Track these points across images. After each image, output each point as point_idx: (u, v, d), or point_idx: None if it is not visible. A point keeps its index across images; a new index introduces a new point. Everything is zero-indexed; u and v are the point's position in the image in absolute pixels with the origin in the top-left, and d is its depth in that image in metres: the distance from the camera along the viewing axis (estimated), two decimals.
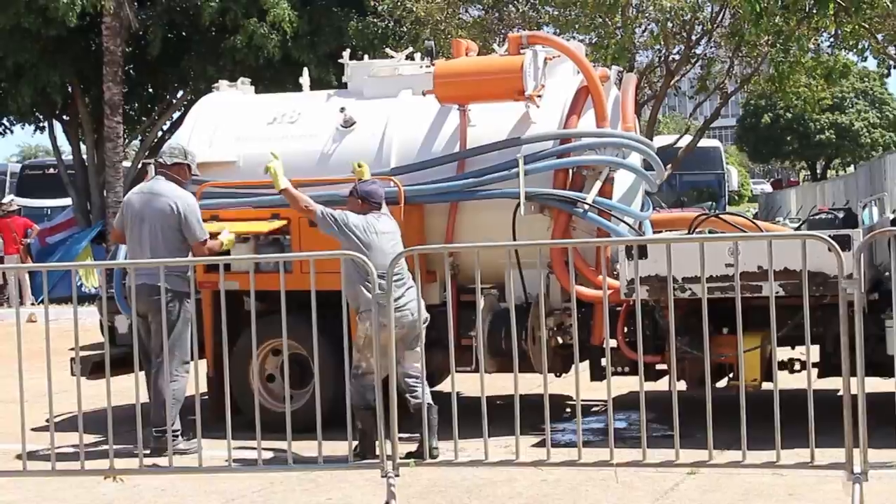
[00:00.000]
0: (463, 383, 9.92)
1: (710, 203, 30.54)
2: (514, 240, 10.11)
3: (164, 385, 9.49)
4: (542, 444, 8.62)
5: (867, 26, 22.80)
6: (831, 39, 25.10)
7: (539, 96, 10.43)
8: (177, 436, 9.52)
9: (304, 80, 12.20)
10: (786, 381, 9.15)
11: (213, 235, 10.12)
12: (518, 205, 10.09)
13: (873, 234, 8.42)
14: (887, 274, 9.11)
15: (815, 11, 20.69)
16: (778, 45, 23.39)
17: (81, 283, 23.18)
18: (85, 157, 29.11)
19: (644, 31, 25.43)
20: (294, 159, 10.84)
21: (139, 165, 27.83)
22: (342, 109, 10.98)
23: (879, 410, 8.01)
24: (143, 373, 9.67)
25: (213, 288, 10.08)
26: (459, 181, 10.41)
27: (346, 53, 11.86)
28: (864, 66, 29.64)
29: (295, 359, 9.97)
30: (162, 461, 8.93)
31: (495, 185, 10.31)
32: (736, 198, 56.37)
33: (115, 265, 10.33)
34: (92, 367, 10.33)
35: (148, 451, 9.08)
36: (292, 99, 11.97)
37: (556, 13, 24.78)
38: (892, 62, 24.64)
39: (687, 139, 28.88)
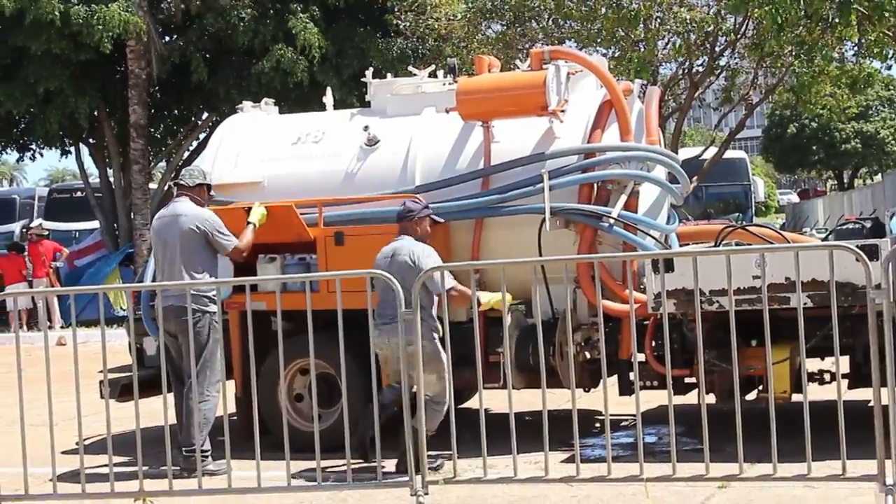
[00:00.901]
0: (491, 400, 9.95)
1: (736, 214, 30.44)
2: (540, 255, 10.09)
3: (193, 405, 9.54)
4: (571, 459, 8.60)
5: (891, 34, 22.70)
6: (855, 48, 25.00)
7: (562, 111, 10.42)
8: (206, 457, 9.53)
9: (328, 99, 12.25)
10: (815, 392, 9.11)
11: (246, 212, 10.26)
12: (543, 220, 10.08)
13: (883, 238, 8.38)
14: None
15: (837, 21, 20.60)
16: (801, 55, 23.32)
17: (111, 305, 23.30)
18: (112, 180, 29.25)
19: (667, 44, 25.40)
20: (319, 178, 10.90)
21: (165, 187, 27.95)
22: (366, 128, 11.00)
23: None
24: (171, 394, 9.70)
25: (240, 308, 10.10)
26: (484, 198, 10.40)
27: (369, 72, 11.88)
28: (889, 73, 29.50)
29: (323, 378, 9.97)
30: (191, 483, 8.94)
31: (520, 201, 10.30)
32: (763, 209, 56.19)
33: (143, 287, 10.36)
34: (121, 390, 10.35)
35: (177, 473, 9.11)
36: (316, 118, 11.99)
37: (577, 27, 24.78)
38: None
39: (712, 151, 28.80)
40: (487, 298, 9.47)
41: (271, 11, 25.73)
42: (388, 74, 12.65)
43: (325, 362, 9.79)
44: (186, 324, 9.07)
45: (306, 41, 24.61)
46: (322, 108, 12.35)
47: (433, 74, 11.80)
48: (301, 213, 10.51)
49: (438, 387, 9.17)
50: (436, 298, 9.04)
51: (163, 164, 31.62)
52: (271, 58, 25.00)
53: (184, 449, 9.61)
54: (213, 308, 9.74)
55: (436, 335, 9.20)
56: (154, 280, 10.21)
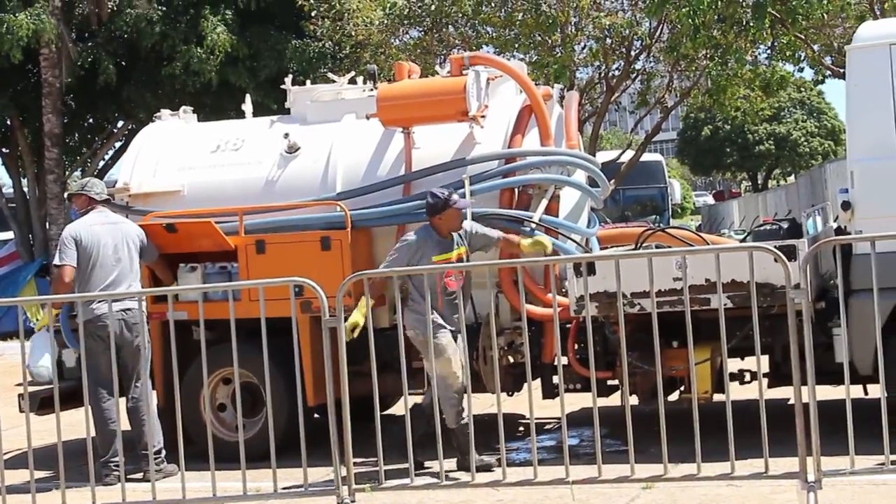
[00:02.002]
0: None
1: (654, 217, 30.71)
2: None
3: (146, 408, 9.66)
4: (497, 463, 8.62)
5: (803, 37, 23.04)
6: (768, 51, 25.34)
7: (483, 116, 10.45)
8: (164, 459, 9.59)
9: (247, 106, 12.18)
10: (737, 392, 9.22)
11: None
12: None
13: (819, 243, 8.51)
14: (833, 282, 9.19)
15: (751, 24, 20.88)
16: (716, 58, 23.59)
17: (27, 318, 22.96)
18: (26, 189, 28.88)
19: (583, 49, 25.57)
20: (239, 186, 10.84)
21: (66, 198, 27.61)
22: (286, 135, 10.95)
23: (830, 418, 8.06)
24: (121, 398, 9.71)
25: (161, 318, 10.03)
26: (406, 204, 10.39)
27: (289, 80, 11.84)
28: (801, 76, 29.88)
29: (246, 387, 9.92)
30: (114, 495, 8.84)
31: None
32: (679, 210, 56.76)
33: (62, 299, 10.19)
34: (40, 403, 10.23)
35: (141, 476, 9.44)
36: (235, 126, 11.92)
37: (495, 33, 24.87)
38: (828, 72, 24.91)
39: (629, 154, 29.05)
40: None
41: (185, 16, 25.58)
42: (308, 81, 12.59)
43: (249, 371, 9.74)
44: (135, 332, 9.15)
45: (212, 41, 24.51)
46: (240, 114, 12.28)
47: (353, 81, 11.78)
48: (222, 222, 10.45)
49: (438, 377, 9.12)
50: (426, 291, 8.76)
51: (78, 173, 31.26)
52: (181, 59, 24.85)
53: (144, 451, 9.64)
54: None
55: (418, 325, 9.07)
56: (86, 290, 10.01)
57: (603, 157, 28.64)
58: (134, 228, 10.27)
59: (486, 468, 8.87)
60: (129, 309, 9.77)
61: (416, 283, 9.15)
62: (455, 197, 9.45)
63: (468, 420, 8.89)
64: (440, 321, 9.12)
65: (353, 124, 11.03)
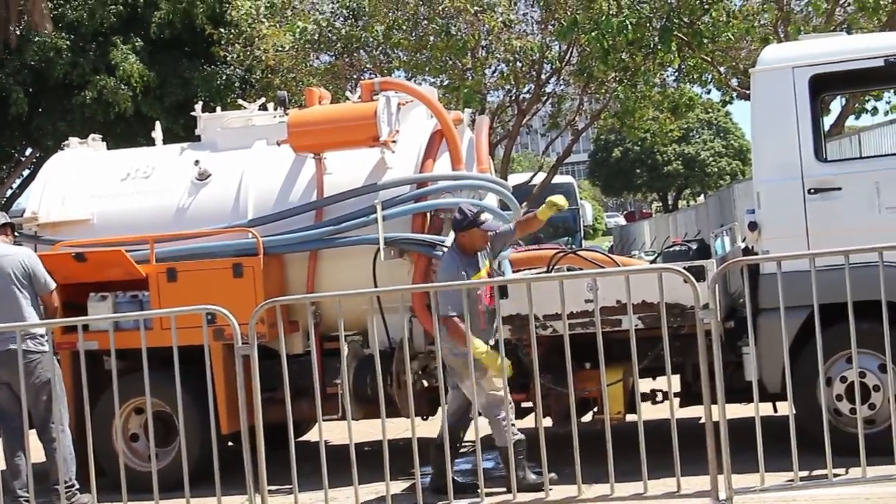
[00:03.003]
0: (330, 432, 9.92)
1: (566, 238, 30.90)
2: (376, 286, 10.12)
3: (57, 444, 9.46)
4: (412, 488, 8.63)
5: (710, 60, 23.36)
6: (676, 73, 25.66)
7: (394, 142, 10.48)
8: (77, 491, 9.41)
9: (157, 134, 12.10)
10: (649, 411, 9.30)
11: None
12: (378, 250, 10.11)
13: (727, 264, 8.64)
14: (742, 302, 9.32)
15: (659, 47, 21.13)
16: (625, 80, 23.84)
17: None
18: None
19: (494, 72, 25.71)
20: (150, 214, 10.77)
21: None
22: (196, 162, 10.90)
23: (741, 436, 8.18)
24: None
25: (71, 348, 9.91)
26: (318, 230, 10.39)
27: (199, 107, 11.79)
28: (709, 97, 30.28)
29: (158, 416, 9.83)
30: None
31: (354, 232, 10.32)
32: (591, 232, 57.14)
33: None
34: None
35: None
36: (145, 153, 11.83)
37: (406, 57, 24.92)
38: (734, 93, 25.25)
39: (541, 176, 29.23)
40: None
41: (93, 44, 25.39)
42: (218, 108, 12.54)
43: (161, 400, 9.67)
44: (19, 368, 8.93)
45: (125, 71, 24.35)
46: (150, 142, 12.19)
47: (263, 107, 11.77)
48: (132, 250, 10.37)
49: (481, 398, 8.86)
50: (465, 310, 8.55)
51: None
52: (92, 88, 24.65)
53: (62, 486, 9.45)
54: (47, 347, 9.53)
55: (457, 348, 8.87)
56: None
57: (515, 179, 28.83)
58: (19, 258, 9.84)
59: (534, 488, 8.63)
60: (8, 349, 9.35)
61: (452, 304, 8.85)
62: (483, 217, 9.39)
63: (520, 436, 8.91)
64: (478, 339, 8.92)
65: (264, 151, 11.01)
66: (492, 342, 9.00)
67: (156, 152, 11.75)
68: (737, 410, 8.92)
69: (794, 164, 9.31)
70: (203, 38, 25.95)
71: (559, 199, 9.47)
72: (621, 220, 77.38)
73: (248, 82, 25.72)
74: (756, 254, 9.34)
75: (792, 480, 7.98)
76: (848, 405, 8.99)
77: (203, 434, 9.08)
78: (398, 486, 9.08)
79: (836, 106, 23.80)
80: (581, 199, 38.81)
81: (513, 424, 8.99)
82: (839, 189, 9.24)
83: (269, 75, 25.26)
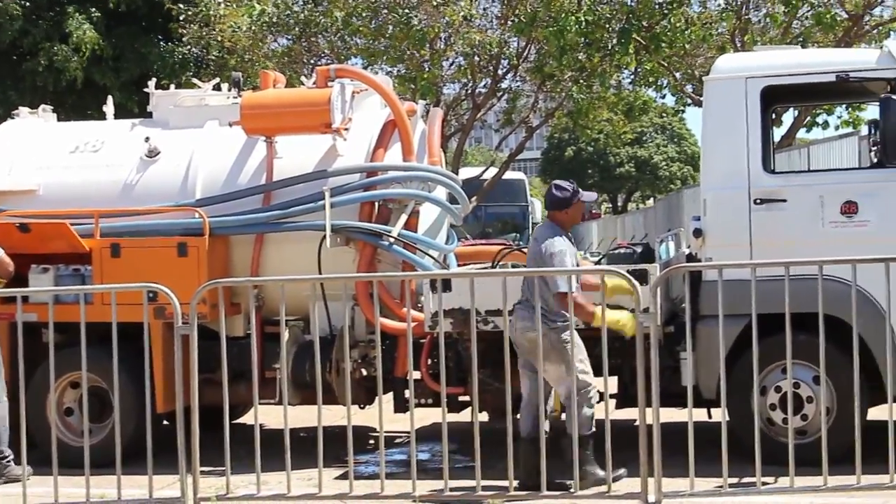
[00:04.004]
0: (266, 416, 9.90)
1: (514, 234, 30.94)
2: (320, 272, 10.12)
3: None
4: (344, 476, 8.65)
5: (666, 65, 23.48)
6: (632, 76, 25.77)
7: (346, 129, 10.48)
8: (10, 462, 9.39)
9: (108, 108, 12.03)
10: None
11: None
12: (324, 237, 10.11)
13: (669, 269, 8.69)
14: (683, 307, 9.39)
15: (616, 49, 21.21)
16: (581, 80, 23.92)
17: None
18: None
19: (452, 65, 25.71)
20: (96, 188, 10.72)
21: None
22: (147, 139, 10.85)
23: (674, 440, 8.25)
24: None
25: (9, 319, 9.84)
26: (265, 213, 10.38)
27: (152, 83, 11.73)
28: (664, 102, 30.44)
29: (94, 392, 9.78)
30: None
31: (301, 218, 10.31)
32: None
33: None
34: None
35: None
36: (96, 127, 11.76)
37: (364, 44, 24.87)
38: (689, 99, 25.39)
39: (492, 171, 29.27)
40: (617, 317, 8.57)
41: (49, 13, 25.15)
42: (172, 85, 12.48)
43: (98, 376, 9.62)
44: None
45: (79, 39, 24.15)
46: (102, 115, 12.12)
47: (217, 87, 11.73)
48: (77, 224, 10.31)
49: (566, 383, 8.63)
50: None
51: None
52: (44, 56, 24.44)
53: None
54: None
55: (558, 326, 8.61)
56: None
57: (466, 173, 28.83)
58: None
59: (599, 482, 8.47)
60: None
61: (560, 281, 8.55)
62: (580, 190, 9.15)
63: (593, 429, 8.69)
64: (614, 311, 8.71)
65: (215, 131, 10.97)
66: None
67: (106, 126, 11.68)
68: (672, 414, 8.99)
69: (741, 173, 9.38)
70: (162, 14, 25.77)
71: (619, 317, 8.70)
72: None
73: (204, 61, 25.58)
74: (699, 260, 9.41)
75: (721, 486, 8.06)
76: (781, 415, 9.08)
77: (138, 412, 9.04)
78: (331, 474, 9.09)
79: (788, 118, 24.03)
80: (531, 196, 38.81)
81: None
82: (784, 201, 9.32)
83: (226, 56, 25.15)
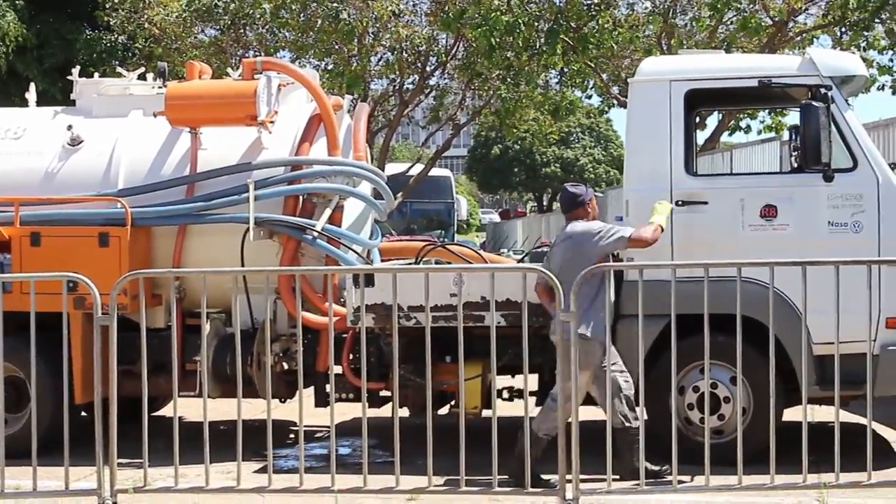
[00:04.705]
0: (186, 408, 9.85)
1: (439, 232, 31.04)
2: (243, 265, 10.08)
3: None
4: (264, 470, 8.63)
5: (593, 65, 23.64)
6: (559, 77, 25.91)
7: (272, 122, 10.45)
8: None
9: (31, 95, 11.88)
10: (505, 408, 9.40)
11: None
12: (247, 230, 10.07)
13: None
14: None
15: (544, 49, 21.32)
16: (508, 79, 24.01)
17: None
18: None
19: (379, 60, 25.71)
20: (17, 176, 10.60)
21: None
22: (69, 127, 10.75)
23: (593, 438, 8.31)
24: None
25: None
26: (188, 204, 10.32)
27: (76, 71, 11.62)
28: (590, 102, 30.64)
29: (11, 382, 9.67)
30: None
31: (225, 210, 10.27)
32: (465, 227, 57.43)
33: None
34: None
35: None
36: (17, 114, 11.61)
37: (292, 37, 24.80)
38: (615, 101, 25.58)
39: (419, 168, 29.32)
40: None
41: None
42: (96, 74, 12.37)
43: (15, 365, 9.52)
44: None
45: (3, 31, 23.85)
46: (25, 103, 11.99)
47: (142, 77, 11.64)
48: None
49: (605, 384, 8.66)
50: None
51: None
52: None
53: None
54: None
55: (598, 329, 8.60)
56: None
57: (393, 169, 28.86)
58: None
59: (657, 476, 8.53)
60: None
61: (620, 238, 8.90)
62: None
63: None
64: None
65: (139, 121, 10.90)
66: None
67: (28, 114, 11.54)
68: (591, 413, 9.06)
69: (664, 175, 9.47)
70: (88, 1, 25.55)
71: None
72: (496, 218, 77.84)
73: (130, 50, 25.36)
74: (621, 260, 9.49)
75: (638, 484, 8.14)
76: (698, 414, 9.18)
77: (55, 403, 8.95)
78: (250, 467, 9.07)
79: (712, 121, 24.26)
80: (457, 193, 38.96)
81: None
82: (706, 203, 9.43)
83: (153, 45, 24.97)
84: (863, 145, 9.34)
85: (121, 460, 8.40)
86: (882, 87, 24.27)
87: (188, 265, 10.28)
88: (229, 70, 11.85)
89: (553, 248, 9.19)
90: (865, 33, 21.65)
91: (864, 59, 20.91)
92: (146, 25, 24.69)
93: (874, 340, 8.63)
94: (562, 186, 9.44)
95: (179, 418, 8.48)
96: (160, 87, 11.06)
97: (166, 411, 11.35)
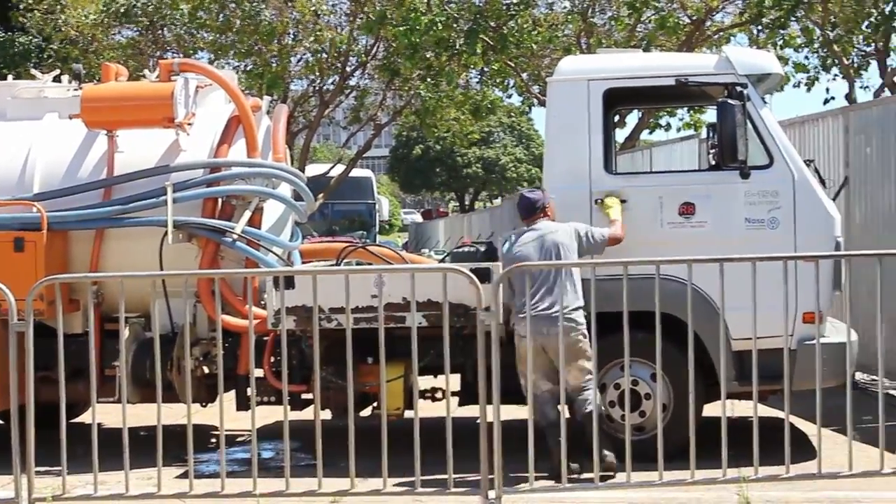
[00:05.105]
0: (105, 414, 9.74)
1: (361, 232, 31.00)
2: (161, 269, 9.99)
3: None
4: (185, 475, 8.55)
5: (513, 65, 23.72)
6: (480, 76, 25.98)
7: (189, 124, 10.36)
8: None
9: None
10: (428, 409, 9.40)
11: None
12: (166, 233, 9.98)
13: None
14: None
15: (464, 48, 21.36)
16: (428, 79, 24.04)
17: None
18: None
19: (300, 61, 25.63)
20: None
21: None
22: None
23: (516, 437, 8.32)
24: None
25: None
26: (105, 208, 10.20)
27: None
28: (511, 102, 30.77)
29: None
30: None
31: (143, 213, 10.15)
32: (387, 227, 57.44)
33: None
34: None
35: None
36: None
37: (211, 38, 24.65)
38: (535, 100, 25.70)
39: (340, 168, 29.27)
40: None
41: None
42: (9, 76, 12.20)
43: None
44: None
45: None
46: None
47: (57, 79, 11.50)
48: None
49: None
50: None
51: None
52: None
53: None
54: None
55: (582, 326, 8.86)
56: None
57: (313, 170, 28.79)
58: None
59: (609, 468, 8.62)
60: None
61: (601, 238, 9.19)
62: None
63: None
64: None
65: (55, 124, 10.75)
66: None
67: None
68: (514, 412, 9.08)
69: (583, 173, 9.52)
70: (1, 2, 25.23)
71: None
72: (418, 218, 77.92)
73: (45, 52, 25.07)
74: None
75: (561, 482, 8.17)
76: (619, 411, 9.24)
77: None
78: (171, 473, 8.98)
79: (632, 120, 24.45)
80: (378, 194, 38.95)
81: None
82: (625, 201, 9.48)
83: (69, 46, 24.70)
84: (779, 142, 9.46)
85: (39, 468, 8.30)
86: (798, 85, 24.64)
87: (106, 269, 10.17)
88: (146, 72, 11.72)
89: (520, 246, 9.19)
90: (781, 31, 21.93)
91: (780, 57, 21.22)
92: (62, 27, 24.42)
93: (791, 335, 8.77)
94: (518, 194, 9.54)
95: (99, 424, 8.40)
96: (76, 90, 10.91)
97: (85, 417, 11.21)
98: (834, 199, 10.15)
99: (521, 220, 9.39)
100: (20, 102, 11.03)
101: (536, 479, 8.10)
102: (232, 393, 10.04)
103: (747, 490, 8.16)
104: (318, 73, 25.84)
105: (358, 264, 10.80)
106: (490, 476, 7.95)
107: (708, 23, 22.69)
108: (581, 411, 8.76)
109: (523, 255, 9.11)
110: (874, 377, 11.88)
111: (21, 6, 24.65)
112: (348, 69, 26.22)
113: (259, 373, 9.68)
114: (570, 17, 23.26)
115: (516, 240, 9.25)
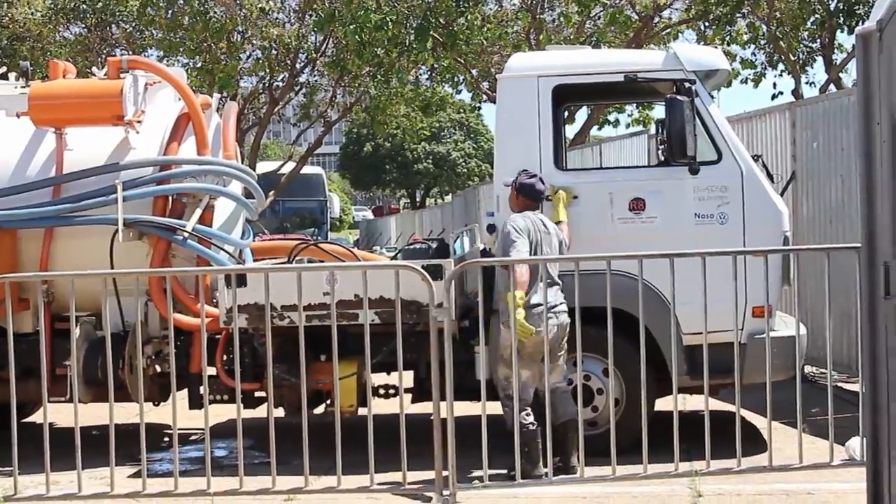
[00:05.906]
0: (57, 414, 9.70)
1: (312, 230, 30.93)
2: (112, 267, 9.94)
3: None
4: (138, 474, 8.53)
5: (463, 62, 23.75)
6: (429, 73, 26.00)
7: (139, 122, 10.30)
8: None
9: None
10: (381, 406, 9.41)
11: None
12: (116, 231, 9.93)
13: (463, 264, 8.80)
14: (477, 302, 9.50)
15: (414, 45, 21.37)
16: (378, 76, 24.03)
17: None
18: None
19: (249, 58, 25.56)
20: None
21: None
22: None
23: (470, 433, 8.36)
24: None
25: None
26: (55, 206, 10.13)
27: None
28: (461, 98, 30.82)
29: None
30: None
31: (92, 211, 10.09)
32: (338, 224, 57.31)
33: None
34: None
35: None
36: None
37: (161, 35, 24.53)
38: (485, 96, 25.74)
39: (290, 165, 29.19)
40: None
41: None
42: None
43: None
44: None
45: None
46: None
47: (4, 77, 11.41)
48: None
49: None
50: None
51: None
52: None
53: None
54: None
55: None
56: None
57: (264, 167, 28.70)
58: None
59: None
60: None
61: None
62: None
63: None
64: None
65: (2, 121, 10.67)
66: None
67: None
68: (467, 408, 9.11)
69: (533, 169, 9.53)
70: None
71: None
72: (369, 215, 77.87)
73: None
74: (493, 255, 9.55)
75: (514, 478, 8.21)
76: None
77: None
78: (124, 472, 8.96)
79: (581, 116, 24.55)
80: (329, 191, 38.83)
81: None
82: (576, 198, 9.53)
83: (16, 43, 24.51)
84: (727, 138, 9.53)
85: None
86: (745, 81, 24.82)
87: (56, 268, 10.10)
88: (94, 69, 11.64)
89: (546, 236, 9.12)
90: (728, 28, 22.10)
91: (727, 54, 21.36)
92: (9, 24, 24.23)
93: (741, 329, 8.86)
94: (525, 180, 9.31)
95: (50, 424, 8.36)
96: (23, 87, 10.84)
97: (37, 417, 11.15)
98: (782, 194, 10.26)
99: (528, 204, 9.27)
100: None
101: (490, 477, 8.14)
102: (184, 391, 9.99)
103: (700, 483, 8.23)
104: (267, 71, 25.77)
105: (310, 262, 10.79)
106: (444, 473, 7.98)
107: (656, 19, 22.82)
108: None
109: (544, 247, 9.09)
110: (823, 370, 12.03)
111: None
112: (298, 66, 26.16)
113: (212, 371, 9.66)
114: (519, 13, 23.32)
115: (544, 224, 9.17)
